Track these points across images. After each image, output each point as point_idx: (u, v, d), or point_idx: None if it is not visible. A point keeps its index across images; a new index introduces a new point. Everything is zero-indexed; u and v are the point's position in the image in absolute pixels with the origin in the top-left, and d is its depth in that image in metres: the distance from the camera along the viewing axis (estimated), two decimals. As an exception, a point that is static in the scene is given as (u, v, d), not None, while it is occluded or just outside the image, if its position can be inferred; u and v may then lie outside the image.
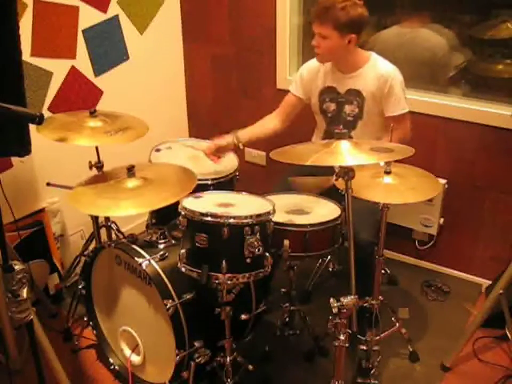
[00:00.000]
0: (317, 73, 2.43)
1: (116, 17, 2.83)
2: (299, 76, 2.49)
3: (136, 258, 1.94)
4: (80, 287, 2.25)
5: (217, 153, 2.40)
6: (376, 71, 2.29)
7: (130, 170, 1.96)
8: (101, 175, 2.20)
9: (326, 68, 2.40)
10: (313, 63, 2.44)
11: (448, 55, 2.74)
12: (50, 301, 2.66)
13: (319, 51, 2.27)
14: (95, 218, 2.41)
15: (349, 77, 2.34)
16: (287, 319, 2.35)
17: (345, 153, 1.63)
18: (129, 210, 1.92)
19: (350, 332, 1.63)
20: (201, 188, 2.02)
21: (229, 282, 1.78)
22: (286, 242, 1.95)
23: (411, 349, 2.36)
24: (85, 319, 2.34)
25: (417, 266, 3.02)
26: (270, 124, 2.53)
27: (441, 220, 2.82)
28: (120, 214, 2.15)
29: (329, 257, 2.76)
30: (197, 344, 1.95)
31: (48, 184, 2.47)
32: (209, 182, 2.21)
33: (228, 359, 2.01)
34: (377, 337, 2.14)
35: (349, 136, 2.26)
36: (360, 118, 2.36)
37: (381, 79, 2.26)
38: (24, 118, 1.43)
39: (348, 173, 1.62)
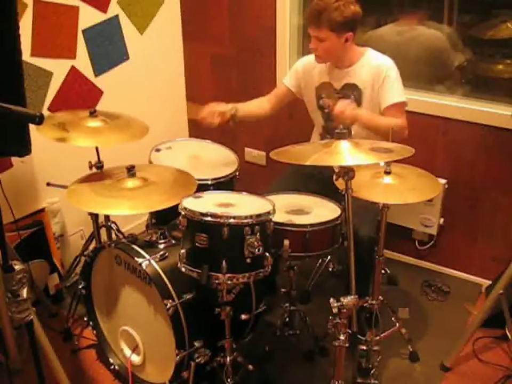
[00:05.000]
0: (313, 70, 2.43)
1: (116, 17, 2.83)
2: (294, 70, 2.50)
3: (136, 258, 1.94)
4: (80, 287, 2.25)
5: (212, 115, 2.35)
6: (371, 62, 2.29)
7: (131, 170, 1.96)
8: (99, 173, 2.20)
9: (322, 65, 2.39)
10: (309, 59, 2.44)
11: (448, 52, 2.73)
12: (50, 301, 2.65)
13: (317, 53, 2.27)
14: (95, 218, 2.40)
15: (344, 72, 2.34)
16: (287, 319, 2.35)
17: (345, 153, 1.63)
18: (125, 210, 1.93)
19: (350, 331, 1.62)
20: (201, 188, 2.02)
21: (229, 282, 1.77)
22: (286, 242, 1.95)
23: (411, 349, 2.36)
24: (85, 319, 2.34)
25: (417, 266, 3.01)
26: (265, 106, 2.56)
27: (441, 220, 2.82)
28: (116, 212, 2.17)
29: (329, 257, 2.76)
30: (197, 344, 1.95)
31: (48, 184, 2.47)
32: (209, 182, 2.20)
33: (228, 359, 2.01)
34: (377, 337, 2.14)
35: (349, 131, 2.26)
36: None
37: (376, 70, 2.26)
38: (24, 118, 1.43)
39: (348, 173, 1.62)
